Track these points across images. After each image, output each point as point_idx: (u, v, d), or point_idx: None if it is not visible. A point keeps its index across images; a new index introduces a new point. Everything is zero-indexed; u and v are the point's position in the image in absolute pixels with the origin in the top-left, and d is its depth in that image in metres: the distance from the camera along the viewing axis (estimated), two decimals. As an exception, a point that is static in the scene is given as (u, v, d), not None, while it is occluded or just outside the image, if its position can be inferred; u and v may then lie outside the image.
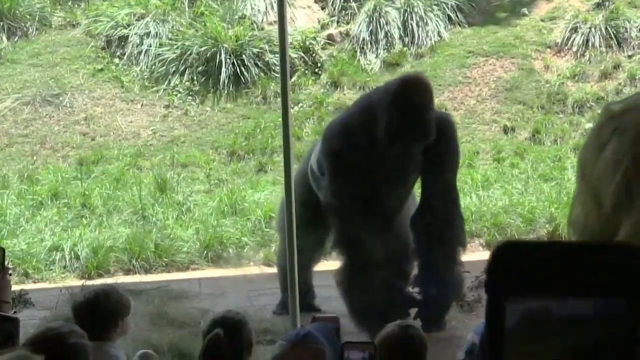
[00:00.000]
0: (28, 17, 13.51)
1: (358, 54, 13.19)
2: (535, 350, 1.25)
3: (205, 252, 9.02)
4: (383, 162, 6.61)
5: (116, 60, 13.02)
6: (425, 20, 13.37)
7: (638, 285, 1.20)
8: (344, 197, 6.77)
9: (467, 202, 9.98)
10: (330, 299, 7.40)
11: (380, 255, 6.74)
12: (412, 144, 6.51)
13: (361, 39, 13.24)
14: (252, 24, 13.10)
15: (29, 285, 8.48)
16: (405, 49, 13.22)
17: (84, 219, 9.87)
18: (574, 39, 13.19)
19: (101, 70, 12.89)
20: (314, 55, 12.99)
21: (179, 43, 12.79)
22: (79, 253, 9.01)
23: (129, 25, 13.13)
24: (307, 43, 12.97)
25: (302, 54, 12.86)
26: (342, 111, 7.64)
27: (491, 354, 1.27)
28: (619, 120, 1.43)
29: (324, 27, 13.70)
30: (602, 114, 1.50)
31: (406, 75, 7.78)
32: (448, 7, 13.69)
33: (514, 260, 1.28)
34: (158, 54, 12.77)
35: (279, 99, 6.54)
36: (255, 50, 12.67)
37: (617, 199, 1.39)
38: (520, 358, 1.25)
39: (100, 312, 4.39)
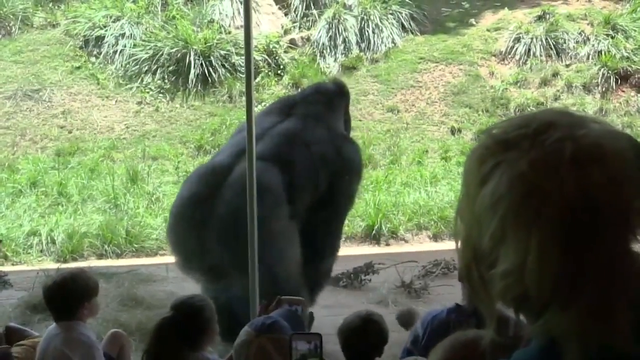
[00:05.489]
0: (11, 17, 13.51)
1: (318, 57, 13.35)
2: None
3: (173, 239, 9.16)
4: None
5: (93, 59, 13.07)
6: (380, 28, 13.58)
7: None
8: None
9: (416, 197, 10.33)
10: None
11: None
12: None
13: (321, 43, 13.41)
14: (220, 27, 13.19)
15: (7, 267, 8.62)
16: (361, 54, 13.41)
17: (60, 206, 9.98)
18: (516, 48, 13.48)
19: (79, 68, 12.93)
20: (277, 58, 13.12)
21: (152, 44, 12.83)
22: (55, 238, 9.15)
23: (105, 27, 13.15)
24: (271, 46, 13.09)
25: (266, 57, 12.98)
26: None
27: None
28: (500, 156, 1.32)
29: (286, 32, 13.81)
30: (484, 141, 1.38)
31: None
32: (402, 16, 13.88)
33: None
34: (132, 54, 12.82)
35: (244, 98, 6.46)
36: (222, 52, 12.77)
37: (493, 243, 1.30)
38: None
39: (68, 294, 4.46)
